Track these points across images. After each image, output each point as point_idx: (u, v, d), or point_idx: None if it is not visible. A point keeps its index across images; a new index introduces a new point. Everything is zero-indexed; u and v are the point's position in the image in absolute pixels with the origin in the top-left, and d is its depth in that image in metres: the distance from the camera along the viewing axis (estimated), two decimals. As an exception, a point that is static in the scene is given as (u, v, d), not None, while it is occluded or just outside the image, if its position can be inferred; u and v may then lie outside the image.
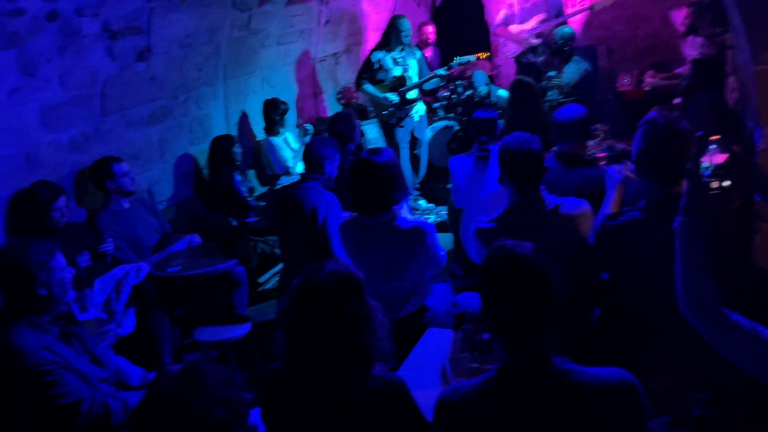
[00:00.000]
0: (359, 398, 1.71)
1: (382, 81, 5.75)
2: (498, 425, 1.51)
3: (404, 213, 3.16)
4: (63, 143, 3.96)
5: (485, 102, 6.00)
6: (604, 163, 3.74)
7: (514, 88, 4.92)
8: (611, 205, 2.73)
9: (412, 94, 5.78)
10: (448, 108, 6.61)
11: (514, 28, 6.18)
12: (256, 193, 5.36)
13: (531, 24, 6.07)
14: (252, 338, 3.75)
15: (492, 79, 6.65)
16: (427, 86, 5.97)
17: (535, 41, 6.01)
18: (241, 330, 3.66)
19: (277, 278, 4.81)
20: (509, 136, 2.80)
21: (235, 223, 4.83)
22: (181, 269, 3.83)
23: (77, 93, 3.96)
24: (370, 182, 2.90)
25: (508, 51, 6.31)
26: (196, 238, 4.22)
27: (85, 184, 4.16)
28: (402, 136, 5.87)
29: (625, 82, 6.16)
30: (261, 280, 4.85)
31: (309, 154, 3.77)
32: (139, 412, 1.39)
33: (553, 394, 1.49)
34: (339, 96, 6.52)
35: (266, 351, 3.80)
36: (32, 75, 3.62)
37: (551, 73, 5.63)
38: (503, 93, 5.98)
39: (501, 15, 6.33)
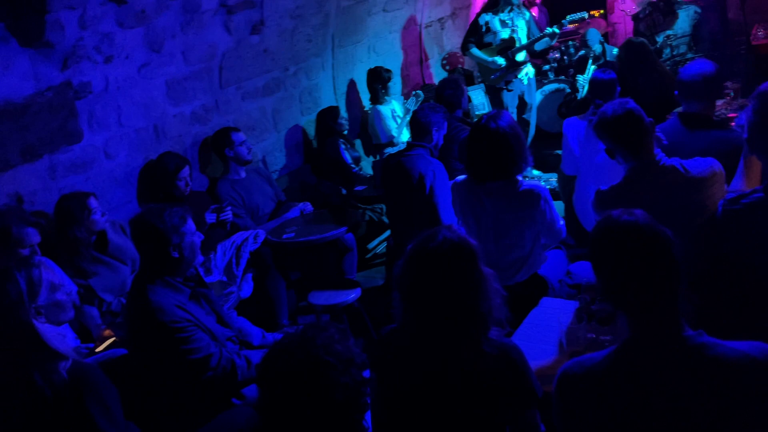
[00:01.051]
0: (474, 362, 1.73)
1: (489, 44, 5.60)
2: (627, 400, 1.45)
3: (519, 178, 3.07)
4: (186, 115, 4.21)
5: (600, 60, 5.69)
6: (734, 124, 3.45)
7: (624, 49, 4.62)
8: (743, 178, 2.50)
9: (521, 57, 5.59)
10: (559, 70, 6.34)
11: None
12: (363, 162, 5.44)
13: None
14: (362, 303, 3.86)
15: (607, 38, 6.29)
16: (537, 47, 5.74)
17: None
18: (352, 295, 3.76)
19: (384, 245, 4.89)
20: (602, 108, 2.66)
21: (344, 191, 4.95)
22: (295, 235, 3.98)
23: (198, 67, 4.18)
24: (494, 149, 2.83)
25: (627, 7, 5.93)
26: (308, 206, 4.37)
27: (207, 153, 4.40)
28: (509, 100, 5.71)
29: (759, 35, 5.61)
30: (369, 246, 4.96)
31: (417, 120, 3.76)
32: (266, 358, 1.48)
33: (689, 370, 1.41)
34: (444, 62, 6.42)
35: (375, 315, 3.91)
36: (158, 51, 3.85)
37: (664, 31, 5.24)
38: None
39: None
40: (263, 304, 3.84)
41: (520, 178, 2.94)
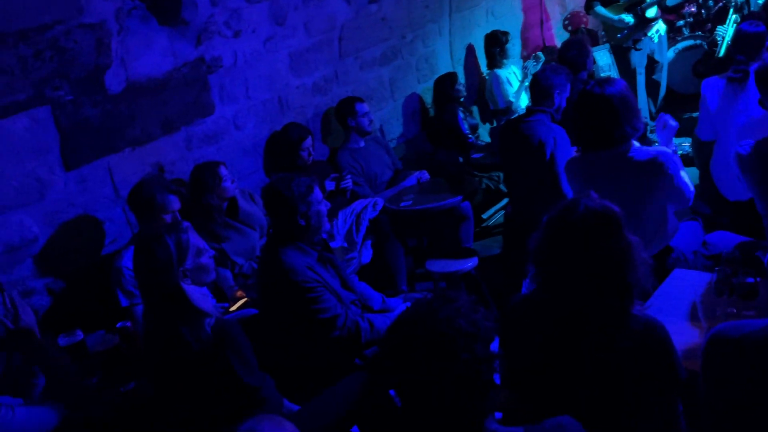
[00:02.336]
0: (618, 339, 1.66)
1: (616, 1, 5.26)
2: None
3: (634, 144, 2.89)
4: (308, 87, 4.33)
5: (743, 10, 5.18)
6: None
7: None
8: None
9: (651, 13, 5.21)
10: (695, 25, 5.84)
11: None
12: (480, 130, 5.35)
13: None
14: (478, 271, 3.84)
15: (752, -12, 5.70)
16: (670, 2, 5.33)
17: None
18: (469, 263, 3.75)
19: (501, 214, 4.82)
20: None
21: (461, 159, 4.90)
22: (413, 203, 4.01)
23: (318, 38, 4.28)
24: (597, 116, 2.68)
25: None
26: (425, 174, 4.38)
27: (328, 124, 4.52)
28: (638, 60, 5.36)
29: None
30: (485, 215, 4.91)
31: (538, 83, 3.63)
32: (393, 325, 1.50)
33: None
34: (566, 22, 6.13)
35: (492, 284, 3.88)
36: (282, 24, 3.98)
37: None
38: None
39: None
40: (382, 271, 3.92)
41: (635, 145, 2.75)
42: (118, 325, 2.82)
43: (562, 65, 3.95)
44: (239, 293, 3.26)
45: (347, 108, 4.29)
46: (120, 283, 2.99)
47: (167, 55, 3.49)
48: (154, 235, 2.16)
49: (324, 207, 2.64)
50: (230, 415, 2.15)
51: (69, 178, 3.18)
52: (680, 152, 4.92)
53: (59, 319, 3.03)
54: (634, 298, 1.69)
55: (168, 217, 3.05)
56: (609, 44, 5.56)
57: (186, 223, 2.27)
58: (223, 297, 3.28)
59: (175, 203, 3.09)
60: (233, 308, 3.16)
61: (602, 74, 5.40)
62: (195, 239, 2.23)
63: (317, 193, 2.61)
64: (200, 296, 2.19)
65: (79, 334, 2.74)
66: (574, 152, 3.08)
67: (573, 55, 4.20)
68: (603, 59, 5.72)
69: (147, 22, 3.37)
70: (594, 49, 5.68)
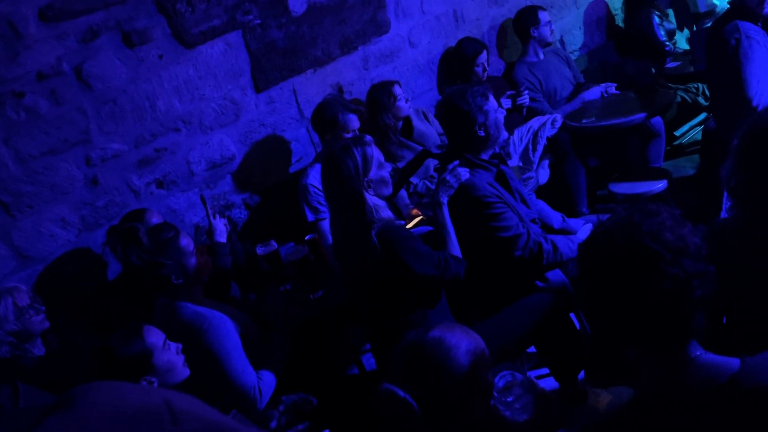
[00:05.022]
0: None
1: None
2: None
3: None
4: (484, -2, 4.14)
5: None
6: None
7: None
8: None
9: None
10: None
11: None
12: (677, 36, 4.77)
13: None
14: (669, 194, 3.52)
15: None
16: None
17: None
18: (659, 185, 3.45)
19: (698, 131, 4.34)
20: None
21: (653, 70, 4.44)
22: (596, 120, 3.74)
23: (496, -56, 4.03)
24: None
25: None
26: (611, 87, 4.04)
27: (504, 37, 4.31)
28: None
29: None
30: (678, 132, 4.45)
31: None
32: (588, 239, 1.41)
33: None
34: None
35: (685, 209, 3.54)
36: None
37: None
38: None
39: None
40: (561, 192, 3.76)
41: None
42: (306, 238, 3.01)
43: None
44: (414, 211, 3.31)
45: (530, 17, 4.05)
46: (306, 199, 3.17)
47: (345, -28, 3.50)
48: (342, 146, 2.23)
49: (501, 115, 2.53)
50: (411, 315, 2.24)
51: (259, 100, 3.38)
52: None
53: (256, 231, 3.32)
54: None
55: (349, 136, 3.14)
56: None
57: (369, 137, 2.31)
58: (399, 215, 3.36)
59: (356, 122, 3.17)
60: (409, 226, 3.22)
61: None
62: (378, 153, 2.28)
63: (492, 101, 2.50)
64: (381, 207, 2.25)
65: (273, 244, 2.97)
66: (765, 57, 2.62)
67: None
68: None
69: (325, -59, 3.38)
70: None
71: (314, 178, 3.10)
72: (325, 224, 2.97)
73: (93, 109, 2.84)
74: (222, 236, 2.83)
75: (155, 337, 1.94)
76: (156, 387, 1.88)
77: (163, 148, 3.08)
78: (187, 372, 1.99)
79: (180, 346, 2.00)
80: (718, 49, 3.19)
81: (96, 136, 2.87)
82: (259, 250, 2.91)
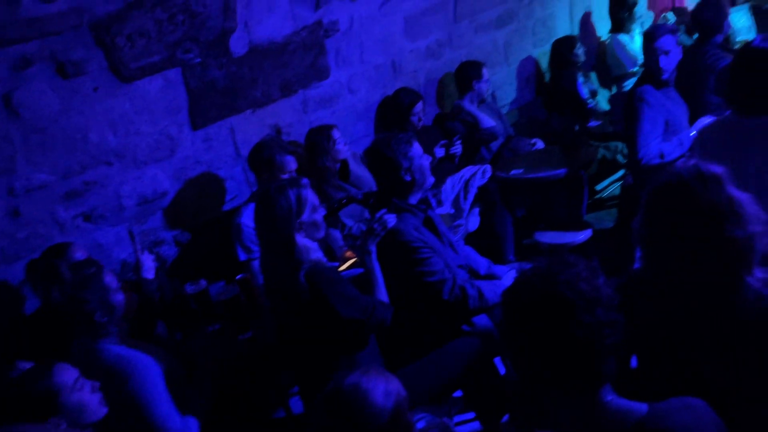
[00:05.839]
0: (733, 307, 1.57)
1: (760, -43, 4.79)
2: None
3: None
4: (421, 50, 4.31)
5: None
6: None
7: None
8: None
9: (803, -31, 4.71)
10: None
11: None
12: (599, 96, 5.11)
13: None
14: (591, 245, 3.70)
15: None
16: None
17: None
18: (580, 237, 3.62)
19: (617, 186, 4.60)
20: None
21: (576, 127, 4.71)
22: (524, 171, 3.92)
23: (434, 2, 4.23)
24: (759, 75, 2.45)
25: None
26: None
27: (441, 89, 4.49)
28: (782, 23, 4.88)
29: None
30: (599, 187, 4.71)
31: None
32: (511, 287, 1.49)
33: None
34: (701, -19, 5.64)
35: (604, 259, 3.72)
36: (398, -13, 3.97)
37: None
38: None
39: None
40: (489, 239, 3.88)
41: None
42: (237, 277, 2.98)
43: (696, 28, 3.67)
44: (348, 253, 3.35)
45: (474, 70, 4.27)
46: (239, 237, 3.15)
47: (287, 18, 3.58)
48: (277, 186, 2.26)
49: (426, 161, 2.63)
50: (340, 357, 2.25)
51: (196, 137, 3.37)
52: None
53: (186, 269, 3.27)
54: (751, 264, 1.58)
55: (286, 177, 3.16)
56: (749, 5, 5.09)
57: (305, 180, 2.35)
58: (332, 257, 3.39)
59: (293, 163, 3.21)
60: (342, 268, 3.25)
61: (739, 38, 4.97)
62: (312, 197, 2.32)
63: (416, 147, 2.60)
64: (312, 249, 2.28)
65: (203, 283, 2.93)
66: (701, 129, 2.86)
67: (708, 17, 3.87)
68: (741, 21, 5.25)
69: (270, -14, 3.46)
70: (731, 10, 5.22)
71: (248, 217, 3.09)
72: (258, 264, 2.95)
73: (20, 138, 2.76)
74: (150, 273, 2.77)
75: (66, 375, 1.87)
76: (63, 429, 1.81)
77: (93, 181, 3.02)
78: (104, 410, 1.92)
79: (97, 384, 1.94)
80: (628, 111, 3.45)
81: (22, 166, 2.78)
82: (188, 289, 2.86)
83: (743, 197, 1.61)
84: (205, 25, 3.24)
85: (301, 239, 2.26)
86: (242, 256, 3.15)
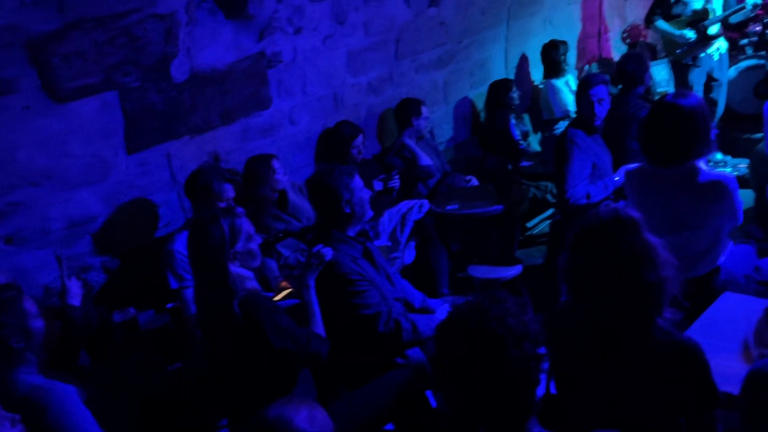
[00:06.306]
0: (646, 346, 1.67)
1: (678, 16, 5.16)
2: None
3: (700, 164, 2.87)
4: (363, 86, 4.40)
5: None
6: None
7: None
8: None
9: (714, 30, 5.09)
10: (759, 45, 5.69)
11: None
12: (531, 138, 5.33)
13: None
14: (521, 280, 3.83)
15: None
16: (734, 19, 5.21)
17: None
18: (513, 271, 3.75)
19: (546, 224, 4.79)
20: None
21: (509, 166, 4.89)
22: (459, 207, 4.03)
23: (377, 39, 4.34)
24: (672, 130, 2.65)
25: None
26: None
27: (381, 123, 4.58)
28: (696, 77, 5.24)
29: None
30: (530, 224, 4.88)
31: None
32: (443, 322, 1.54)
33: None
34: (625, 35, 6.05)
35: (533, 294, 3.86)
36: (342, 23, 4.05)
37: None
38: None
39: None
40: (424, 273, 3.95)
41: (702, 163, 2.72)
42: (168, 306, 2.92)
43: (621, 79, 3.92)
44: (283, 284, 3.34)
45: (414, 108, 4.37)
46: (171, 265, 3.09)
47: (231, 48, 3.59)
48: (211, 216, 2.25)
49: (366, 194, 2.68)
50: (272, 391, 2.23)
51: (130, 161, 3.30)
52: (736, 173, 4.84)
53: (114, 296, 3.16)
54: (662, 305, 1.70)
55: (223, 205, 3.14)
56: (668, 59, 5.47)
57: (240, 209, 2.36)
58: (268, 287, 3.36)
59: (230, 192, 3.19)
60: (277, 298, 3.23)
61: (659, 90, 5.33)
62: (247, 225, 2.32)
63: (358, 180, 2.64)
64: (246, 278, 2.27)
65: (132, 311, 2.85)
66: (625, 172, 3.05)
67: (632, 69, 4.15)
68: (661, 74, 5.63)
69: (214, 15, 3.47)
70: (652, 63, 5.60)
71: (181, 245, 3.03)
72: (190, 293, 2.90)
73: (-59, 156, 2.64)
74: (75, 299, 2.66)
75: None
76: None
77: (19, 202, 2.91)
78: None
79: (17, 416, 1.84)
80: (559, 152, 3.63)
81: (-60, 185, 2.66)
82: (116, 317, 2.78)
83: (657, 242, 1.74)
84: (146, 49, 3.21)
85: (235, 268, 2.25)
86: (173, 284, 3.08)
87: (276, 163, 3.57)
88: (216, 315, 2.24)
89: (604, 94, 3.60)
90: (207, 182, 3.13)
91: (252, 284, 2.29)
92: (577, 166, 3.51)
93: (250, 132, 3.82)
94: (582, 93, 3.63)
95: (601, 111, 3.61)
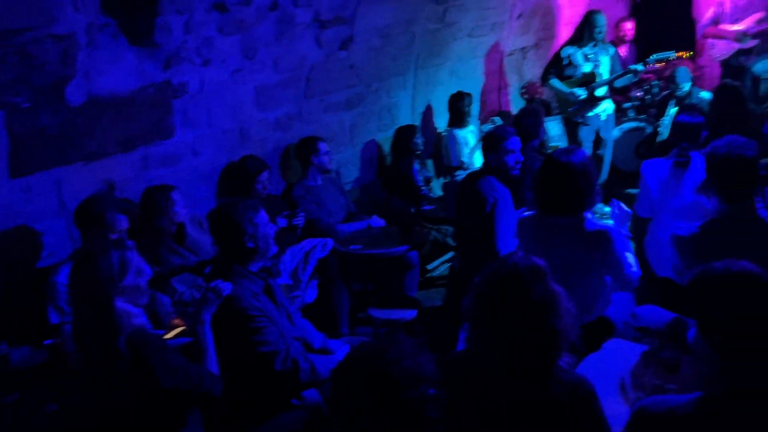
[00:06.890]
0: (546, 388, 1.73)
1: (569, 77, 5.57)
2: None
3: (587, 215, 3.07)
4: (270, 121, 4.38)
5: (684, 102, 5.57)
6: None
7: (721, 92, 4.53)
8: None
9: (601, 92, 5.54)
10: (641, 109, 6.23)
11: (725, 28, 5.66)
12: (433, 183, 5.49)
13: (746, 24, 5.52)
14: (419, 321, 3.88)
15: (694, 81, 6.16)
16: (619, 83, 5.67)
17: (751, 43, 5.46)
18: (411, 313, 3.80)
19: (446, 267, 4.91)
20: (720, 140, 2.61)
21: (412, 209, 5.01)
22: (362, 248, 4.06)
23: (286, 76, 4.36)
24: (561, 183, 2.83)
25: (717, 53, 5.79)
26: (377, 221, 4.45)
27: (287, 160, 4.56)
28: (585, 135, 5.65)
29: None
30: (430, 266, 4.99)
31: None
32: (340, 364, 1.53)
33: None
34: (523, 90, 6.43)
35: (432, 335, 3.92)
36: (251, 58, 4.04)
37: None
38: (706, 95, 5.52)
39: (710, 13, 5.82)
40: (325, 312, 3.92)
41: (588, 215, 2.92)
42: (46, 342, 2.71)
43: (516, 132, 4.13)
44: (176, 321, 3.18)
45: (310, 146, 4.37)
46: (53, 298, 2.90)
47: (133, 74, 3.48)
48: (100, 247, 2.15)
49: (270, 230, 2.65)
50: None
51: (14, 186, 3.09)
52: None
53: (-16, 330, 2.90)
54: (562, 350, 1.77)
55: (115, 237, 2.99)
56: (561, 116, 5.85)
57: (131, 242, 2.26)
58: (160, 324, 3.21)
59: (124, 223, 3.04)
60: (168, 336, 3.08)
61: (552, 144, 5.66)
62: (137, 260, 2.22)
63: (263, 215, 2.61)
64: (133, 315, 2.17)
65: (4, 348, 2.62)
66: (514, 214, 3.20)
67: (528, 123, 4.41)
68: (554, 130, 6.00)
69: (117, 40, 3.36)
70: (547, 119, 5.97)
71: (65, 276, 2.85)
72: (70, 328, 2.71)
73: None
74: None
75: None
76: None
77: None
78: None
79: None
80: (474, 202, 3.70)
81: None
82: (-15, 354, 2.55)
83: (560, 290, 1.81)
84: (40, 69, 3.04)
85: (122, 304, 2.14)
86: (55, 319, 2.88)
87: (176, 195, 3.46)
88: (99, 353, 2.10)
89: (516, 146, 3.73)
90: (100, 211, 2.97)
91: (139, 321, 2.18)
92: (506, 222, 3.57)
93: (150, 161, 3.69)
94: (496, 145, 3.72)
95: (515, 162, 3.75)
